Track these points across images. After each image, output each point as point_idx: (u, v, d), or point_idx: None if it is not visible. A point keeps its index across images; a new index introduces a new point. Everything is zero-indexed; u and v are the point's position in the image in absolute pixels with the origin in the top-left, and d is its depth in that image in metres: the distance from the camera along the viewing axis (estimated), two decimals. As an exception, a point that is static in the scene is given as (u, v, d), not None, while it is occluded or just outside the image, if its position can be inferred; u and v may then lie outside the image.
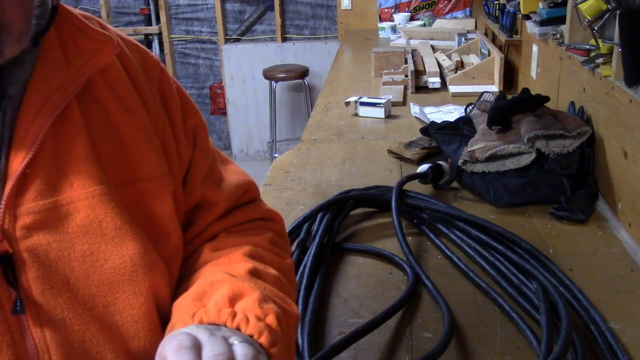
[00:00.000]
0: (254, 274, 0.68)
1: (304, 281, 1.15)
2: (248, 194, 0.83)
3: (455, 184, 1.62)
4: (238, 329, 0.59)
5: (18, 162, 0.58)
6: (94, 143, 0.64)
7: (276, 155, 4.31)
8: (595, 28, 1.48)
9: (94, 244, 0.61)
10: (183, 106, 0.76)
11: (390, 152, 1.88)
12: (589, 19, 1.48)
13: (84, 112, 0.64)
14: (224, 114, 4.99)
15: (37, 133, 0.59)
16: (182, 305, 0.64)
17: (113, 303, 0.62)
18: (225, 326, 0.59)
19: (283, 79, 4.40)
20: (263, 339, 0.59)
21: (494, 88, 2.55)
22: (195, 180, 0.75)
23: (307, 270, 1.18)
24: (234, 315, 0.60)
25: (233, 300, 0.62)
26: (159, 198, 0.68)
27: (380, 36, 4.09)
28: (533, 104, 1.65)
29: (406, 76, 2.70)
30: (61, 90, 0.61)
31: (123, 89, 0.68)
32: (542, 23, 1.98)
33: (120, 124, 0.66)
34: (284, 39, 4.77)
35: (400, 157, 1.85)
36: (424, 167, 1.61)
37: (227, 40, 4.81)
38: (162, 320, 0.67)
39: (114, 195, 0.63)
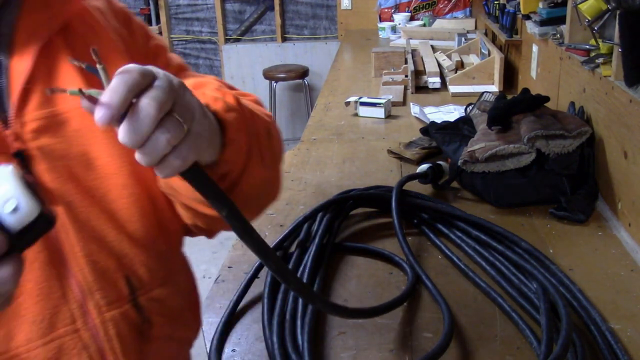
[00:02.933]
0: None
1: (304, 281, 1.15)
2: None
3: (455, 184, 1.62)
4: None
5: (19, 80, 0.72)
6: (81, 68, 0.74)
7: (276, 155, 4.31)
8: (595, 28, 1.48)
9: (87, 145, 0.75)
10: (144, 33, 0.89)
11: (390, 152, 1.88)
12: (589, 19, 1.48)
13: (70, 46, 0.77)
14: (224, 114, 4.98)
15: (31, 56, 0.73)
16: None
17: (108, 193, 0.76)
18: None
19: (283, 79, 4.40)
20: (218, 106, 0.69)
21: (494, 88, 2.55)
22: None
23: (307, 270, 1.18)
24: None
25: (196, 86, 0.72)
26: None
27: (380, 36, 4.10)
28: (533, 104, 1.65)
29: (406, 76, 2.70)
30: (44, 26, 0.75)
31: (100, 27, 0.81)
32: (542, 23, 1.98)
33: (102, 52, 0.76)
34: (284, 39, 4.77)
35: (400, 157, 1.85)
36: (424, 167, 1.61)
37: (227, 40, 4.81)
38: (154, 207, 0.80)
39: None
